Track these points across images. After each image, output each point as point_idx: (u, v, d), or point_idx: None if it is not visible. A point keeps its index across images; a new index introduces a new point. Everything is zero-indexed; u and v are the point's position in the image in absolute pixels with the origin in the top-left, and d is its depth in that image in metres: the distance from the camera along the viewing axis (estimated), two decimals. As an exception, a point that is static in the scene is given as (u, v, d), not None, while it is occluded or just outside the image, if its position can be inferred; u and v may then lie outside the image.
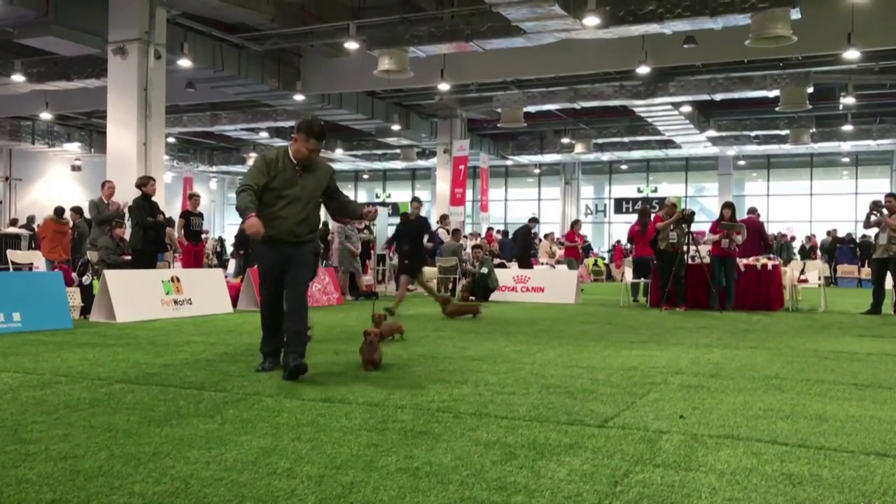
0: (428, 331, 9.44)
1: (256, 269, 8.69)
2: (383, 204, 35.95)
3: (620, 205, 37.89)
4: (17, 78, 20.09)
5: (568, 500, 2.97)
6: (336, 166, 39.86)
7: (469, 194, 31.56)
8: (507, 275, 16.29)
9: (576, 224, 20.87)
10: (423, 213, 13.63)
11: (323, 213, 6.98)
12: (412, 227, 12.47)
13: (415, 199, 13.44)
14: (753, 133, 30.16)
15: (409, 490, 3.06)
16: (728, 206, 13.61)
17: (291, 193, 5.78)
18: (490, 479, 3.22)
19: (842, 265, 25.05)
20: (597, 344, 8.13)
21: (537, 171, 39.25)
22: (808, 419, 4.50)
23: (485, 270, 15.49)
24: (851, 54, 17.31)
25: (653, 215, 14.40)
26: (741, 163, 36.06)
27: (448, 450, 3.68)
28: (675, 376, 6.03)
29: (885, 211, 12.19)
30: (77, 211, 16.88)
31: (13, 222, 24.19)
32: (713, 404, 4.91)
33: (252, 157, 35.83)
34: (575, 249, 19.81)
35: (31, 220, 23.99)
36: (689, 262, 13.23)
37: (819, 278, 15.03)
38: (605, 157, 35.51)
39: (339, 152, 34.36)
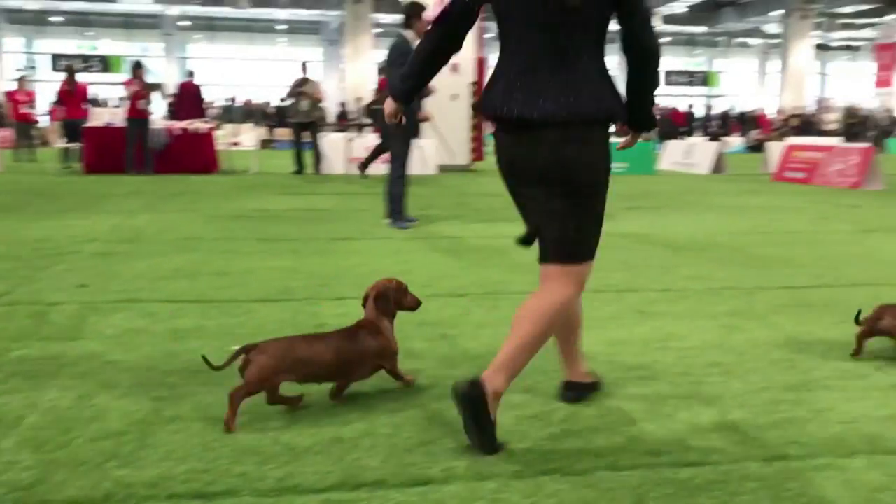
0: None
1: None
2: None
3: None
4: None
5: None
6: None
7: None
8: None
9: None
10: None
11: None
12: None
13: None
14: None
15: None
16: (139, 65, 13.14)
17: None
18: None
19: (277, 129, 26.39)
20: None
21: None
22: (210, 276, 4.80)
23: None
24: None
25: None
26: (184, 23, 35.65)
27: None
28: (89, 244, 5.84)
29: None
30: None
31: None
32: (121, 270, 4.90)
33: None
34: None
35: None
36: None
37: (254, 142, 15.95)
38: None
39: None
